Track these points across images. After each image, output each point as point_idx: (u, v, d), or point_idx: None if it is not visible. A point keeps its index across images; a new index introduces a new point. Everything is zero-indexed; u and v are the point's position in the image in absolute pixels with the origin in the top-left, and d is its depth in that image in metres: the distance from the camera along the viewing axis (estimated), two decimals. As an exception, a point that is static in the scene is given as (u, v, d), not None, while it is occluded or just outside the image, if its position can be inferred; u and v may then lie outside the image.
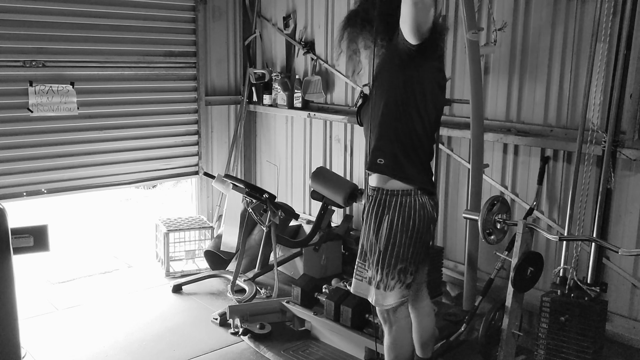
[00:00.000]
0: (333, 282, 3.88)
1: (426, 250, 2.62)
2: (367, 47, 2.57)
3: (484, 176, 3.52)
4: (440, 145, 3.81)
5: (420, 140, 2.47)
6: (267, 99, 5.10)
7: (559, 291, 2.92)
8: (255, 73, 5.08)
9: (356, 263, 2.69)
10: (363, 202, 3.74)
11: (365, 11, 2.54)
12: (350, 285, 3.46)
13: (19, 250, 1.92)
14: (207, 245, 4.63)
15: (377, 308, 2.62)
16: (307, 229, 4.54)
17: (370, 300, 2.59)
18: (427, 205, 2.50)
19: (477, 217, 2.71)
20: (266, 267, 4.31)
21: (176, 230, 4.60)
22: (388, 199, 2.48)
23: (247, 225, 4.28)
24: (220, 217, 5.02)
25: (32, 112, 4.18)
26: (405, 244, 2.47)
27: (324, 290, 3.61)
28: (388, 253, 2.47)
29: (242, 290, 4.12)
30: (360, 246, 2.67)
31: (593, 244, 3.06)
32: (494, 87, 3.61)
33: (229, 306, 3.69)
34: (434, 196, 2.57)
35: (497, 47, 3.49)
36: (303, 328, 3.64)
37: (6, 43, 4.04)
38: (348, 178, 4.53)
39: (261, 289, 4.18)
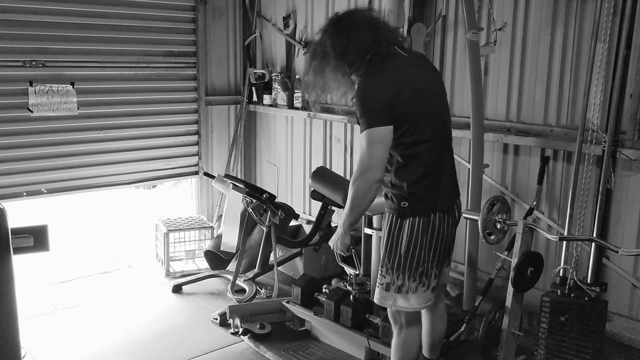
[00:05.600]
0: (333, 282, 3.88)
1: (449, 252, 2.60)
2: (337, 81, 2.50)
3: (484, 176, 3.52)
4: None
5: (433, 162, 2.43)
6: (267, 99, 5.10)
7: (559, 291, 2.93)
8: (255, 73, 5.08)
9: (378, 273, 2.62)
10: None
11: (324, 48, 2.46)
12: (350, 285, 3.50)
13: (19, 250, 1.92)
14: (207, 245, 4.63)
15: (388, 309, 2.59)
16: (307, 229, 4.54)
17: (388, 304, 2.53)
18: (449, 209, 2.51)
19: (477, 217, 2.71)
20: (266, 267, 4.31)
21: (176, 230, 4.60)
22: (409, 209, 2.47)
23: (247, 225, 4.28)
24: (220, 217, 5.02)
25: (32, 112, 4.18)
26: (426, 247, 2.45)
27: (324, 290, 3.61)
28: (409, 256, 2.44)
29: (242, 290, 4.12)
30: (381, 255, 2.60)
31: (593, 244, 3.06)
32: (494, 87, 3.60)
33: (229, 306, 3.69)
34: (458, 200, 2.59)
35: (497, 47, 3.49)
36: (303, 328, 3.64)
37: (6, 43, 4.04)
38: (348, 178, 4.53)
39: (261, 289, 4.18)
